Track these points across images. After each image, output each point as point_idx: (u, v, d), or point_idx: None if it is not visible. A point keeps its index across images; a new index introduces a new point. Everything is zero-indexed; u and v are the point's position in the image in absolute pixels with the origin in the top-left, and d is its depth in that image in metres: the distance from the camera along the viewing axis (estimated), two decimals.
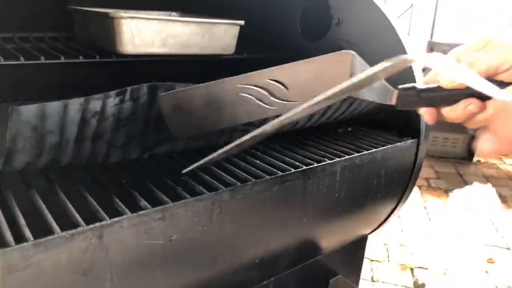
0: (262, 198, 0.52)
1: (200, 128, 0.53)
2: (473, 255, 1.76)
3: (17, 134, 0.42)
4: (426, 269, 1.72)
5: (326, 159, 0.59)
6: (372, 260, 1.74)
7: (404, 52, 0.72)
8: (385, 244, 1.84)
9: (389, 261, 1.76)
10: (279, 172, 0.54)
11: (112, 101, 0.46)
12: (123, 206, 0.44)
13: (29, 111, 0.41)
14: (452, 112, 0.38)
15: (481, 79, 0.29)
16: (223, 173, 0.53)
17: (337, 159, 0.59)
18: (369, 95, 0.47)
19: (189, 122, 0.52)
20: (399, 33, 0.73)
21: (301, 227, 0.60)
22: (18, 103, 0.76)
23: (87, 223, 0.40)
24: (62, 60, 0.62)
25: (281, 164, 0.56)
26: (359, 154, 0.62)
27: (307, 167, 0.56)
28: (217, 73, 0.81)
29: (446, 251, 1.79)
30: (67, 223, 0.41)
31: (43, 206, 0.43)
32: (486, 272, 1.68)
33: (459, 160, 2.68)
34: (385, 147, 0.65)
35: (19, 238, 0.37)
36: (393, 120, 0.75)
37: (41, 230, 0.40)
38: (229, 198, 0.48)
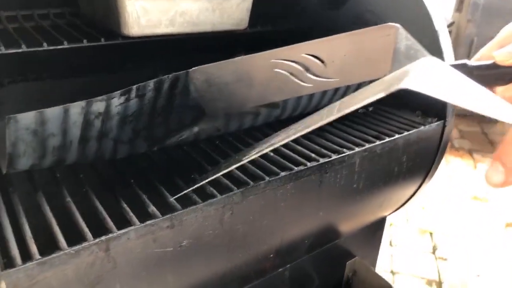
0: (276, 196, 0.49)
1: (232, 105, 0.51)
2: (493, 219, 1.73)
3: (17, 140, 0.40)
4: (446, 233, 1.71)
5: (344, 149, 0.56)
6: (391, 224, 1.73)
7: (430, 22, 0.66)
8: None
9: (408, 225, 1.75)
10: (293, 166, 0.51)
11: (117, 101, 0.43)
12: (131, 213, 0.42)
13: (27, 118, 0.39)
14: (508, 92, 0.35)
15: (488, 97, 0.25)
16: (234, 169, 0.50)
17: (356, 149, 0.56)
18: None
19: (221, 98, 0.50)
20: (425, 1, 0.66)
21: (317, 220, 0.58)
22: (27, 84, 0.74)
23: (94, 231, 0.39)
24: (66, 45, 0.59)
25: (296, 156, 0.54)
26: (380, 142, 0.58)
27: (324, 161, 0.53)
28: (229, 49, 0.77)
29: (467, 215, 1.77)
30: (73, 233, 0.40)
31: (50, 214, 0.42)
32: (506, 235, 1.66)
33: (484, 119, 2.58)
34: (408, 132, 0.61)
35: (25, 253, 0.36)
36: (417, 98, 0.70)
37: (47, 241, 0.39)
38: (240, 200, 0.46)
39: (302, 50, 0.46)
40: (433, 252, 1.65)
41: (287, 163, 0.52)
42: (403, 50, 0.44)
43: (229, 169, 0.41)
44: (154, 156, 0.54)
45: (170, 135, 0.54)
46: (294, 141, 0.59)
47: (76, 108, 0.41)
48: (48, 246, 0.39)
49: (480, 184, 1.95)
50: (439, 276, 1.53)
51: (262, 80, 0.48)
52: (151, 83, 0.45)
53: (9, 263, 0.35)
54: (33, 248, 0.37)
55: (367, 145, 0.57)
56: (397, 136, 0.60)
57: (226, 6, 0.68)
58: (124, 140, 0.50)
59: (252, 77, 0.48)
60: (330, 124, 0.64)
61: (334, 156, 0.54)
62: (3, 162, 0.46)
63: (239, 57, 0.48)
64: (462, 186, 1.96)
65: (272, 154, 0.55)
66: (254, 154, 0.39)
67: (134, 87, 0.44)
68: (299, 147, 0.56)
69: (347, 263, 0.75)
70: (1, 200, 0.43)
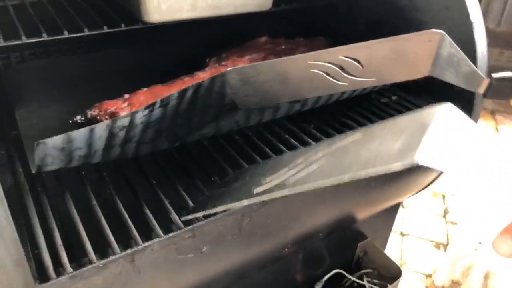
0: (294, 201, 0.51)
1: (265, 100, 0.52)
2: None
3: (45, 156, 0.41)
4: (459, 197, 1.72)
5: None
6: None
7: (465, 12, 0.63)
8: None
9: None
10: None
11: (141, 114, 0.44)
12: (154, 221, 0.44)
13: (54, 141, 0.40)
14: None
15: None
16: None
17: None
18: (453, 79, 0.45)
19: (254, 95, 0.51)
20: None
21: (334, 215, 0.59)
22: (48, 60, 0.74)
23: (119, 239, 0.41)
24: (86, 32, 0.58)
25: None
26: None
27: None
28: (252, 29, 0.74)
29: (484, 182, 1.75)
30: (99, 239, 0.42)
31: (77, 218, 0.44)
32: None
33: None
34: None
35: (57, 263, 0.39)
36: (443, 88, 0.68)
37: (76, 248, 0.42)
38: (259, 207, 0.47)
39: (340, 53, 0.46)
40: (444, 216, 1.68)
41: None
42: (445, 56, 0.44)
43: (239, 205, 0.41)
44: (176, 153, 0.55)
45: (191, 132, 0.54)
46: (315, 137, 0.59)
47: (101, 126, 0.41)
48: (77, 253, 0.41)
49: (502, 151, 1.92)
50: (447, 239, 1.57)
51: (298, 79, 0.48)
52: (175, 94, 0.45)
53: (43, 277, 0.37)
54: (64, 258, 0.39)
55: None
56: None
57: None
58: (146, 141, 0.50)
59: (288, 76, 0.48)
60: (349, 117, 0.63)
61: None
62: (32, 160, 0.48)
63: (276, 59, 0.48)
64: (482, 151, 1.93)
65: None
66: (262, 195, 0.38)
67: (159, 100, 0.44)
68: None
69: (359, 244, 0.78)
70: (31, 202, 0.45)
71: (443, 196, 1.76)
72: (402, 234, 1.59)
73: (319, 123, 0.62)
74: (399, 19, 0.72)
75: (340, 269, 0.76)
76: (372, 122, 0.62)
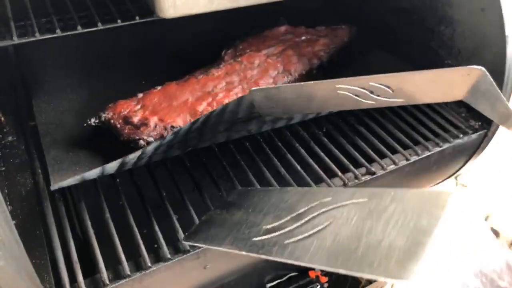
0: None
1: (287, 112, 0.54)
2: None
3: (60, 186, 0.43)
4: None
5: (372, 167, 0.56)
6: None
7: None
8: None
9: None
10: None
11: (153, 145, 0.44)
12: (162, 240, 0.47)
13: (68, 182, 0.41)
14: None
15: None
16: None
17: (388, 169, 0.56)
18: (487, 111, 0.47)
19: (277, 107, 0.51)
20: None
21: None
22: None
23: (129, 256, 0.45)
24: (100, 27, 0.57)
25: (322, 175, 0.55)
26: (410, 161, 0.57)
27: (352, 183, 0.54)
28: (270, 16, 0.71)
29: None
30: (112, 254, 0.45)
31: (91, 232, 0.47)
32: None
33: None
34: (443, 147, 0.60)
35: (72, 279, 0.43)
36: None
37: (89, 263, 0.45)
38: None
39: (371, 81, 0.45)
40: (456, 177, 1.68)
41: (312, 182, 0.53)
42: (482, 90, 0.43)
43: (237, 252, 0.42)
44: (187, 160, 0.55)
45: (202, 142, 0.55)
46: (324, 147, 0.59)
47: (113, 164, 0.43)
48: (90, 269, 0.45)
49: None
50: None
51: (323, 98, 0.48)
52: (188, 124, 0.45)
53: None
54: (79, 277, 0.43)
55: (398, 165, 0.57)
56: (432, 151, 0.59)
57: None
58: (158, 152, 0.52)
59: (313, 95, 0.48)
60: (363, 123, 0.63)
61: (360, 180, 0.54)
62: (50, 163, 0.51)
63: (301, 83, 0.48)
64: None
65: (299, 168, 0.55)
66: (261, 252, 0.40)
67: (170, 131, 0.44)
68: (327, 163, 0.57)
69: None
70: (50, 209, 0.48)
71: None
72: None
73: (330, 129, 0.61)
74: (430, 11, 0.67)
75: None
76: (385, 130, 0.62)
